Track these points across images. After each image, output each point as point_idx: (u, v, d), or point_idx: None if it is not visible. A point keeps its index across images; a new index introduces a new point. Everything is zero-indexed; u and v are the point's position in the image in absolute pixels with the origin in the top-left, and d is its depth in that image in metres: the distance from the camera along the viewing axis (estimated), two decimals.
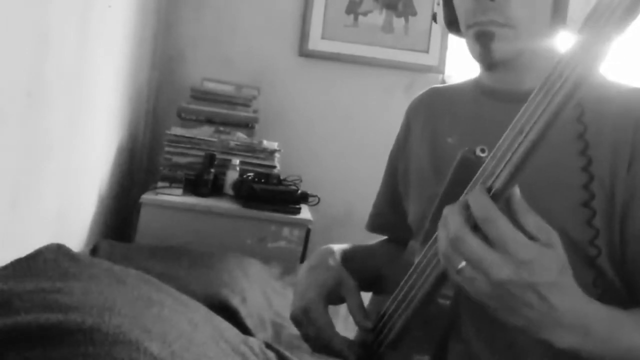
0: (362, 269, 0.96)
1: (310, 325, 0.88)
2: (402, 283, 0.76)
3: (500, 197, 0.60)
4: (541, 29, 0.81)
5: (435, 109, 0.99)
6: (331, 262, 0.92)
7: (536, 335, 0.62)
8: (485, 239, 0.58)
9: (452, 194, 0.67)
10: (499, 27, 0.80)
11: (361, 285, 0.92)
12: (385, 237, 1.13)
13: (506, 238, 0.57)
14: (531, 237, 0.58)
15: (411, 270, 0.74)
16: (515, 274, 0.57)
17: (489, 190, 0.60)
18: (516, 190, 0.60)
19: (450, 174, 0.72)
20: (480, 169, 0.63)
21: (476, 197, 0.59)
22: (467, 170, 0.67)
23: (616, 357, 0.65)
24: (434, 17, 0.96)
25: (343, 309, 0.92)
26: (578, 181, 0.76)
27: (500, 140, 0.62)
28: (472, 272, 0.59)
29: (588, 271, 0.76)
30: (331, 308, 0.91)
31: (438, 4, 0.93)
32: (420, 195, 0.94)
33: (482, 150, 0.67)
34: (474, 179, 0.64)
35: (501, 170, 0.60)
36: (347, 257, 0.96)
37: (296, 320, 0.91)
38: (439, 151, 0.92)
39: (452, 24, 0.90)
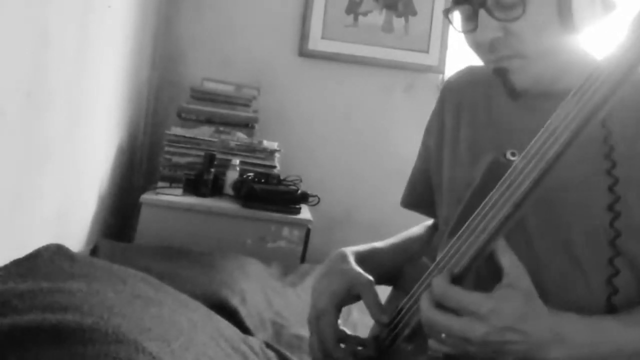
0: (381, 267, 0.97)
1: (317, 333, 0.90)
2: (422, 278, 0.78)
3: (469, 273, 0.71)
4: (552, 43, 0.79)
5: (469, 96, 0.95)
6: (343, 265, 0.93)
7: (528, 359, 0.70)
8: (452, 311, 0.69)
9: (480, 194, 0.72)
10: (510, 60, 0.79)
11: (380, 280, 0.93)
12: (420, 231, 1.10)
13: (464, 303, 0.69)
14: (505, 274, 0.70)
15: (432, 265, 0.77)
16: (487, 326, 0.68)
17: (454, 277, 0.71)
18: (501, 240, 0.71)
19: (480, 176, 0.76)
20: (510, 169, 0.70)
21: (435, 281, 0.71)
22: (496, 172, 0.72)
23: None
24: None
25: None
26: (603, 184, 0.76)
27: (532, 142, 0.69)
28: (452, 340, 0.70)
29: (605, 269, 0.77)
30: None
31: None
32: (451, 183, 0.93)
33: (513, 154, 0.72)
34: (499, 185, 0.70)
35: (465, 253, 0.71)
36: (363, 258, 0.96)
37: (309, 325, 0.92)
38: (473, 144, 0.90)
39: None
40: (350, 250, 0.97)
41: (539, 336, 0.69)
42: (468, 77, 0.98)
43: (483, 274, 0.73)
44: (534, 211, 0.77)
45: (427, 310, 0.72)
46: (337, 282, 0.90)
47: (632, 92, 0.78)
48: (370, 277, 0.90)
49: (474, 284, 0.73)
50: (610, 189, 0.75)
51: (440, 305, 0.71)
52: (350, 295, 0.90)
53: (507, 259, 0.71)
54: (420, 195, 1.05)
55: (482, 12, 0.77)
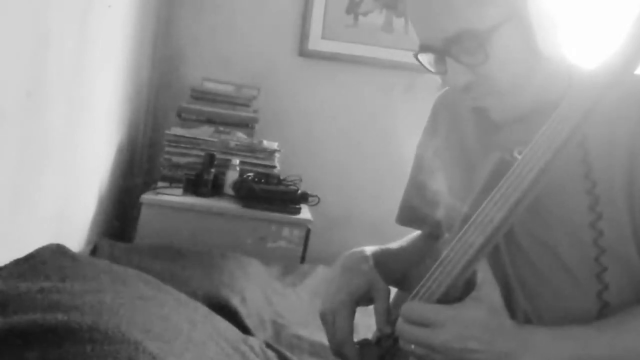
0: (393, 270, 0.99)
1: (333, 326, 0.92)
2: (427, 276, 0.80)
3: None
4: (525, 73, 0.79)
5: (459, 111, 0.97)
6: (365, 267, 0.95)
7: None
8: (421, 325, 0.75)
9: (488, 192, 0.75)
10: (486, 98, 0.80)
11: (391, 283, 0.96)
12: (420, 237, 1.12)
13: (424, 312, 0.75)
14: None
15: (437, 263, 0.79)
16: (447, 333, 0.72)
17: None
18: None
19: (487, 175, 0.79)
20: (514, 165, 0.73)
21: (406, 304, 0.78)
22: (502, 170, 0.75)
23: None
24: None
25: None
26: (584, 202, 0.77)
27: (537, 136, 0.72)
28: (421, 350, 0.75)
29: (594, 302, 0.77)
30: None
31: None
32: (449, 193, 0.94)
33: (520, 152, 0.74)
34: (505, 178, 0.74)
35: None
36: (380, 260, 0.98)
37: (323, 318, 0.94)
38: (465, 156, 0.92)
39: None
40: (369, 252, 0.99)
41: (505, 346, 0.72)
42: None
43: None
44: (523, 226, 0.79)
45: (398, 325, 0.77)
46: (358, 281, 0.93)
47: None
48: (387, 286, 0.93)
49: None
50: (589, 192, 0.76)
51: (411, 322, 0.76)
52: (367, 297, 0.92)
53: (482, 275, 0.74)
54: (416, 211, 1.06)
55: (448, 60, 0.78)
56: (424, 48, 0.81)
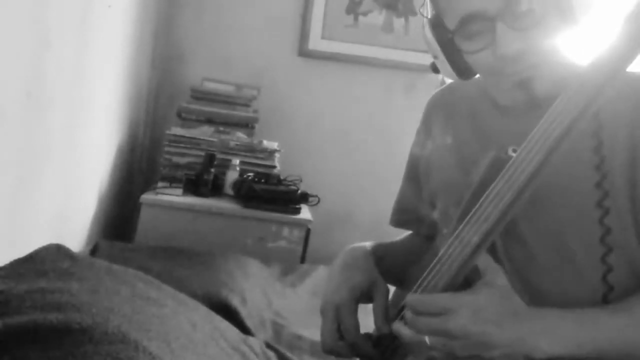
0: (392, 268, 0.99)
1: (336, 322, 0.91)
2: (424, 274, 0.80)
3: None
4: (562, 45, 0.78)
5: (454, 110, 0.97)
6: (366, 263, 0.95)
7: (518, 355, 0.71)
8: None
9: (483, 190, 0.75)
10: (536, 68, 0.78)
11: (390, 281, 0.96)
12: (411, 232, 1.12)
13: (438, 301, 0.73)
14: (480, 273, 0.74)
15: (435, 261, 0.78)
16: (464, 317, 0.70)
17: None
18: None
19: (482, 173, 0.79)
20: (511, 161, 0.73)
21: (408, 297, 0.77)
22: (498, 168, 0.74)
23: (603, 349, 0.72)
24: (434, 69, 0.91)
25: None
26: (592, 181, 0.77)
27: (532, 134, 0.72)
28: (437, 340, 0.72)
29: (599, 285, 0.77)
30: None
31: (436, 58, 0.87)
32: (446, 190, 0.95)
33: (514, 150, 0.74)
34: (501, 175, 0.74)
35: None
36: (379, 257, 0.98)
37: (324, 313, 0.93)
38: (462, 153, 0.91)
39: (465, 72, 0.86)
40: (370, 248, 0.99)
41: (521, 328, 0.71)
42: (450, 93, 1.00)
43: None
44: (526, 214, 0.78)
45: (408, 318, 0.75)
46: (359, 278, 0.93)
47: (626, 89, 0.78)
48: (386, 285, 0.93)
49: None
50: (598, 185, 0.75)
51: (422, 313, 0.74)
52: (367, 294, 0.93)
53: (483, 261, 0.74)
54: (411, 212, 1.06)
55: (500, 26, 0.75)
56: (472, 17, 0.77)
